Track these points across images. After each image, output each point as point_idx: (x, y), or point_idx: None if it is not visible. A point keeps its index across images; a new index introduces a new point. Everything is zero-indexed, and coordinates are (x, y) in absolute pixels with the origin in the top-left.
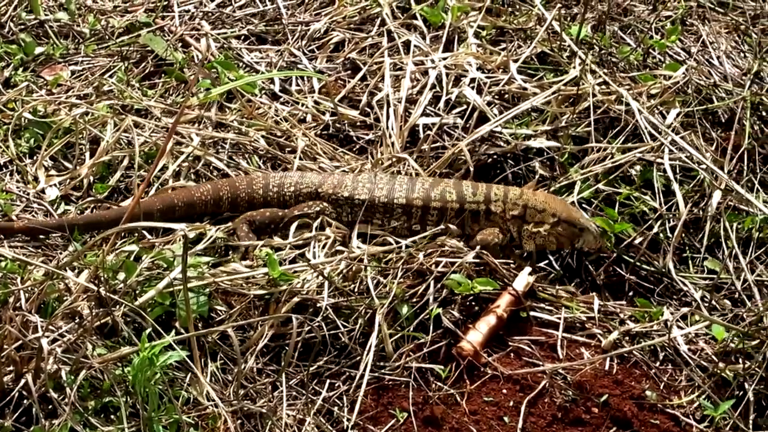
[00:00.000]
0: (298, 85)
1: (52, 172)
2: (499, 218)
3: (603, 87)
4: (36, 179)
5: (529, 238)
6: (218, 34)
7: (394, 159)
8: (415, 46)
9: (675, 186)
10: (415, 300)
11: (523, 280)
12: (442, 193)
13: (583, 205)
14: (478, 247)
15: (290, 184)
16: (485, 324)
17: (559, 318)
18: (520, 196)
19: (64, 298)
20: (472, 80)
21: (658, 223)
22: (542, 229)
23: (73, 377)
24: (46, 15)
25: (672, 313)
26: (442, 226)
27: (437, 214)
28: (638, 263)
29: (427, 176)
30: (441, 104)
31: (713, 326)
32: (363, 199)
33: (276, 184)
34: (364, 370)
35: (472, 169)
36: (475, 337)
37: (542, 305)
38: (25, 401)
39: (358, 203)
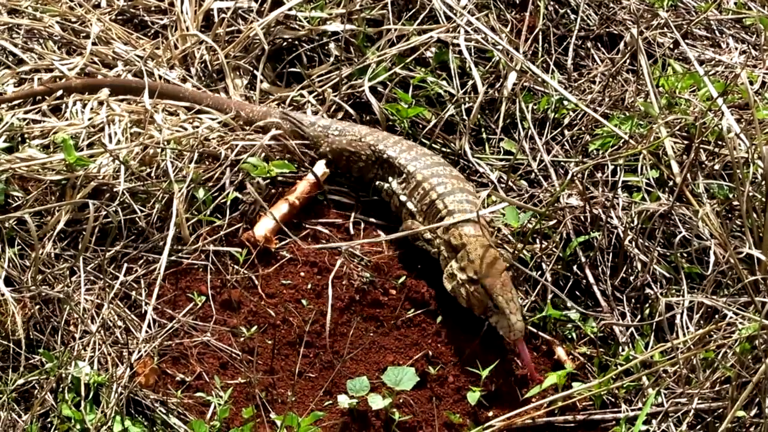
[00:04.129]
0: None
1: None
2: (440, 230)
3: None
4: None
5: (449, 278)
6: None
7: (187, 38)
8: None
9: (471, 66)
10: (212, 184)
11: (321, 165)
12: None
13: (378, 89)
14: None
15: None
16: (277, 211)
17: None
18: (469, 235)
19: None
20: None
21: (454, 105)
22: (460, 277)
23: None
24: None
25: None
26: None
27: (422, 194)
28: (434, 145)
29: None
30: None
31: (508, 212)
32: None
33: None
34: (162, 253)
35: (266, 48)
36: (266, 224)
37: (340, 188)
38: None
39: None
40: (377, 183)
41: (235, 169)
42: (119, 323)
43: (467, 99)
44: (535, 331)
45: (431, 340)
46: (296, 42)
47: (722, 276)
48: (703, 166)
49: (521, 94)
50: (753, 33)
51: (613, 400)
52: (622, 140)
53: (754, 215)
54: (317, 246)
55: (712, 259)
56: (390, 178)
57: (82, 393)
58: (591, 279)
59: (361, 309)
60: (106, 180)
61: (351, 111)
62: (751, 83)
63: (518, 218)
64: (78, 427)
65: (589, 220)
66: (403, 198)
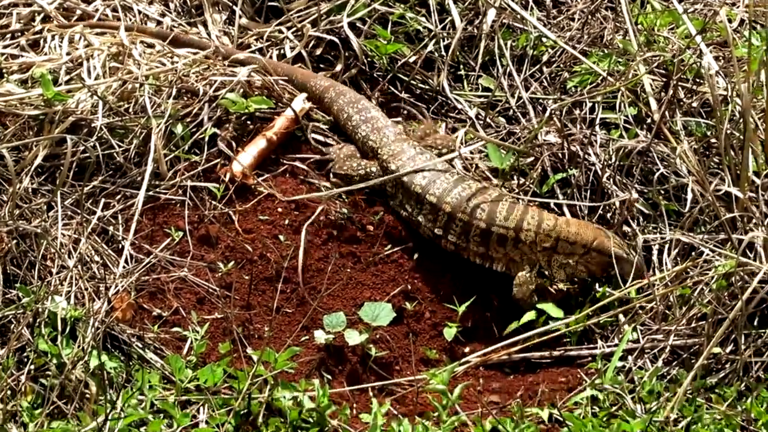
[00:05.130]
0: None
1: None
2: (527, 248)
3: None
4: None
5: (560, 268)
6: None
7: None
8: None
9: (450, 3)
10: (189, 120)
11: (300, 101)
12: (474, 207)
13: (357, 25)
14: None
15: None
16: (255, 147)
17: (335, 140)
18: (553, 228)
19: None
20: None
21: (433, 41)
22: (572, 260)
23: None
24: None
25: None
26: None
27: (462, 226)
28: (413, 82)
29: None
30: None
31: (490, 151)
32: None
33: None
34: (140, 188)
35: None
36: (244, 159)
37: (318, 125)
38: None
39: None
40: (392, 203)
41: (214, 104)
42: (96, 258)
43: (446, 35)
44: None
45: (408, 276)
46: None
47: (700, 213)
48: (681, 103)
49: (500, 31)
50: None
51: (589, 336)
52: (601, 77)
53: (732, 153)
54: (296, 197)
55: (689, 196)
56: (408, 206)
57: (59, 327)
58: (568, 216)
59: (338, 245)
60: (84, 115)
61: (335, 40)
62: (730, 21)
63: (502, 159)
64: (54, 361)
65: (566, 157)
66: (438, 231)
